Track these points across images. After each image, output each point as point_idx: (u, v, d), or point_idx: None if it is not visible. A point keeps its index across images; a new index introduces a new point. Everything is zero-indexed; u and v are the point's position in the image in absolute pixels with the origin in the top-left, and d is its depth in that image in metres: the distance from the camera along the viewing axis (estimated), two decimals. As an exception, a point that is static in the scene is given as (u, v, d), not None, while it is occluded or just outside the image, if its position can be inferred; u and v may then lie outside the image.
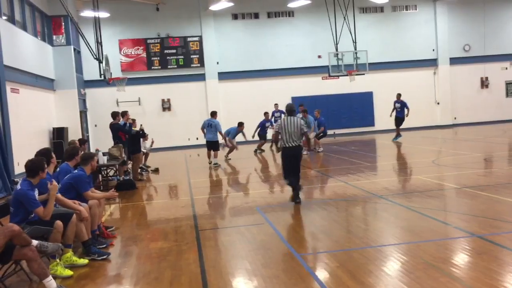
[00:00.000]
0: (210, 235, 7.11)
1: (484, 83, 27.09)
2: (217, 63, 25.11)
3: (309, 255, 5.72)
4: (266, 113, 19.83)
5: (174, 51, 24.72)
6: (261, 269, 5.33)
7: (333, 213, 8.00)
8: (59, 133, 19.23)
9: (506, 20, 27.22)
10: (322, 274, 5.05)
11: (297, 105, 16.02)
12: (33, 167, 5.60)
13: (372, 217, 7.78)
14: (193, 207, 9.07)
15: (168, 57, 24.70)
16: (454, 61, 26.77)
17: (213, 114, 16.18)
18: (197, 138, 24.96)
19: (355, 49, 22.49)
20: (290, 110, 8.93)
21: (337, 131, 25.19)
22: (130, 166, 13.54)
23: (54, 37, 21.03)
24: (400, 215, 7.52)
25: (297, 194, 8.73)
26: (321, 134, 18.34)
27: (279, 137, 8.68)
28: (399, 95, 20.48)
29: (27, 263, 4.86)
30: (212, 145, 15.86)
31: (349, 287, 4.59)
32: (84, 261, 5.91)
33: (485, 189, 8.85)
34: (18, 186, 5.57)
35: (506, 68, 27.09)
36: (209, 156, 16.01)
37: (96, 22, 17.18)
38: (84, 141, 12.36)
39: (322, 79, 25.41)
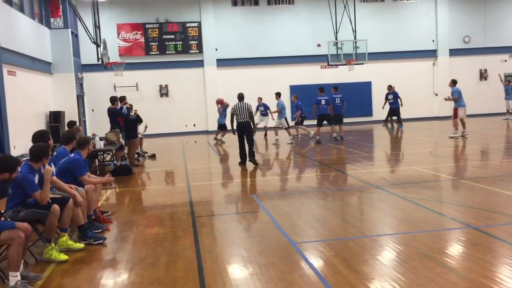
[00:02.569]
0: (206, 222, 7.11)
1: (483, 75, 27.06)
2: (216, 49, 24.98)
3: (305, 243, 5.73)
4: (260, 98, 19.23)
5: (172, 36, 24.57)
6: (257, 256, 5.34)
7: (330, 202, 8.01)
8: (55, 117, 19.16)
9: (506, 12, 27.11)
10: (317, 262, 5.06)
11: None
12: (38, 152, 5.53)
13: (368, 206, 7.79)
14: (190, 194, 9.07)
15: (166, 43, 24.55)
16: (453, 52, 26.70)
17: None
18: (194, 125, 25.03)
19: (355, 38, 22.39)
20: (241, 97, 12.29)
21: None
22: (126, 151, 13.50)
23: (52, 19, 20.85)
24: (396, 205, 7.54)
25: (244, 159, 12.19)
26: (300, 118, 18.60)
27: (235, 117, 12.11)
28: (390, 87, 20.46)
29: (9, 246, 4.63)
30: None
31: (344, 276, 4.60)
32: (80, 245, 5.90)
33: (481, 181, 8.87)
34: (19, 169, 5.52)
35: (506, 61, 27.04)
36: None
37: (94, 5, 17.04)
38: (72, 122, 12.31)
39: (321, 68, 25.33)
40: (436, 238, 5.64)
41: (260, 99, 18.91)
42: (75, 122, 13.21)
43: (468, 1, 26.75)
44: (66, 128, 12.19)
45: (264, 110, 18.59)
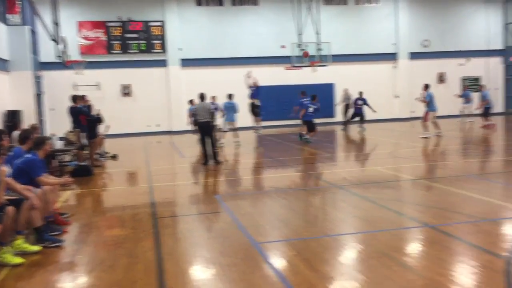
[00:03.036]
0: (168, 223, 7.03)
1: (442, 78, 27.87)
2: (180, 49, 24.77)
3: (267, 244, 5.74)
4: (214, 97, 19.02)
5: (135, 35, 24.23)
6: (219, 257, 5.31)
7: (292, 202, 8.06)
8: (13, 116, 18.53)
9: (463, 18, 28.03)
10: (279, 262, 5.09)
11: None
12: None
13: (330, 206, 7.89)
14: (152, 195, 8.95)
15: (129, 42, 24.19)
16: (413, 55, 27.40)
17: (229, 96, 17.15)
18: (158, 125, 24.73)
19: (318, 40, 22.64)
20: (202, 97, 12.63)
21: (298, 122, 25.37)
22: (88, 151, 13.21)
23: (9, 16, 20.17)
24: (357, 205, 7.66)
25: (207, 159, 12.24)
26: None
27: (196, 116, 12.52)
28: (361, 93, 20.99)
29: None
30: None
31: (305, 276, 4.64)
32: (36, 248, 5.72)
33: (439, 180, 9.13)
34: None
35: (463, 64, 27.94)
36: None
37: (53, 1, 16.57)
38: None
39: (285, 69, 25.46)
40: (395, 237, 5.76)
41: (212, 98, 18.51)
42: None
43: (428, 7, 27.51)
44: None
45: (216, 108, 18.30)
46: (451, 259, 4.98)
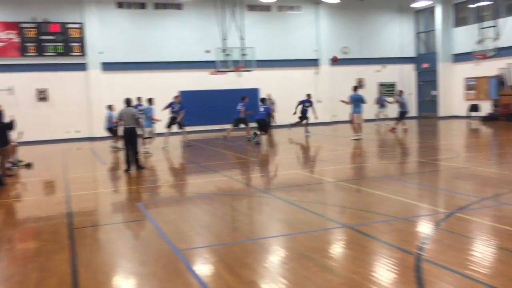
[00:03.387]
0: (86, 233, 6.74)
1: (360, 84, 29.08)
2: (101, 52, 23.95)
3: (189, 250, 5.66)
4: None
5: (52, 37, 23.11)
6: (138, 266, 5.17)
7: (216, 207, 8.03)
8: None
9: (379, 27, 29.49)
10: (200, 268, 5.03)
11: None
12: None
13: (253, 210, 7.94)
14: (69, 204, 8.54)
15: (45, 44, 23.02)
16: (334, 62, 28.34)
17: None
18: (77, 131, 23.72)
19: (243, 45, 22.83)
20: (127, 102, 12.32)
21: (225, 127, 25.41)
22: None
23: None
24: (280, 209, 7.77)
25: (129, 165, 11.97)
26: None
27: (121, 121, 12.09)
28: (309, 95, 21.28)
29: None
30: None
31: (226, 281, 4.62)
32: None
33: (357, 182, 9.50)
34: None
35: (379, 71, 29.36)
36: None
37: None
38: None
39: (210, 73, 25.44)
40: (315, 238, 5.90)
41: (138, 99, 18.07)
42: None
43: (347, 15, 28.65)
44: None
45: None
46: (366, 257, 5.17)
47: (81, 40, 23.54)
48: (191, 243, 5.99)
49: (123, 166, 12.55)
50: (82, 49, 23.59)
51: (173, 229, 6.58)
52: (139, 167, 12.21)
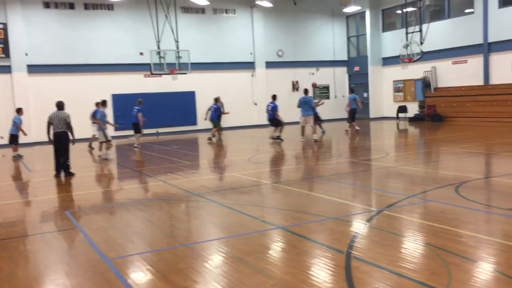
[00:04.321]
0: (9, 245, 6.34)
1: (295, 86, 29.63)
2: (26, 54, 22.83)
3: (119, 259, 5.48)
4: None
5: (-28, 38, 21.73)
6: (65, 278, 4.93)
7: (149, 213, 7.84)
8: None
9: (312, 31, 30.19)
10: (131, 277, 4.87)
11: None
12: None
13: (187, 215, 7.83)
14: (-10, 215, 8.03)
15: (-36, 45, 21.61)
16: (269, 64, 28.73)
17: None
18: (1, 137, 22.44)
19: (177, 48, 22.57)
20: (59, 105, 11.93)
21: (160, 130, 25.04)
22: None
23: None
24: (214, 212, 7.72)
25: (59, 170, 11.83)
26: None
27: (51, 125, 11.72)
28: (274, 96, 20.18)
29: None
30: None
31: (157, 288, 4.51)
32: None
33: (292, 183, 9.62)
34: None
35: (313, 74, 30.03)
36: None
37: None
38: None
39: (145, 76, 24.96)
40: (249, 240, 5.90)
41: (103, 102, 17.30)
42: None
43: (281, 19, 29.08)
44: None
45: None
46: (299, 258, 5.23)
47: (4, 41, 22.31)
48: (121, 251, 5.79)
49: (51, 173, 11.99)
50: (5, 51, 22.35)
51: (103, 237, 6.35)
52: (68, 173, 11.75)
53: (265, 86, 28.33)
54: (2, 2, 22.27)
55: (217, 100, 20.55)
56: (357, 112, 21.09)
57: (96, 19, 24.42)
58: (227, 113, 22.11)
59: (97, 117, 15.73)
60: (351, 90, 22.29)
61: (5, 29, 22.32)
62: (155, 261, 5.29)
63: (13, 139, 16.70)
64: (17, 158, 16.60)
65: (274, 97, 19.05)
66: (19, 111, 16.96)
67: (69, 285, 4.74)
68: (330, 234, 6.04)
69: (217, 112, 20.16)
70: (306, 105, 17.55)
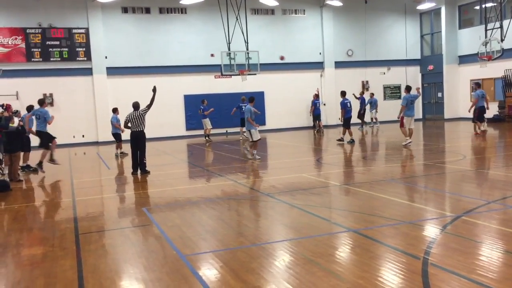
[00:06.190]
0: (91, 239, 6.74)
1: (365, 86, 29.04)
2: (106, 57, 24.07)
3: (194, 256, 5.66)
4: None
5: (57, 42, 23.23)
6: (143, 272, 5.16)
7: (221, 212, 8.02)
8: None
9: (383, 30, 29.43)
10: (205, 274, 5.02)
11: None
12: None
13: (258, 215, 7.93)
14: (75, 209, 8.57)
15: (50, 49, 23.15)
16: (338, 64, 28.36)
17: None
18: (83, 136, 23.84)
19: (247, 49, 22.87)
20: (135, 106, 12.43)
21: (229, 130, 25.47)
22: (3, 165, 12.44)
23: None
24: (284, 213, 7.76)
25: (136, 168, 12.38)
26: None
27: (129, 124, 12.31)
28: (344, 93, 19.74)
29: None
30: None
31: (231, 286, 4.61)
32: None
33: (362, 185, 9.46)
34: None
35: (384, 73, 29.30)
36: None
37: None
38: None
39: (215, 77, 25.51)
40: (320, 242, 5.88)
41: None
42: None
43: (351, 18, 28.61)
44: None
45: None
46: (372, 262, 5.15)
47: (86, 45, 23.66)
48: (195, 249, 5.98)
49: (128, 170, 12.59)
50: (87, 54, 23.70)
51: (178, 234, 6.58)
52: (145, 171, 12.27)
53: (334, 86, 27.98)
54: (84, 8, 23.62)
55: (317, 95, 23.86)
56: (484, 112, 18.53)
57: (169, 23, 25.27)
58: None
59: (247, 116, 14.71)
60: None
61: (87, 34, 23.66)
62: (228, 259, 5.41)
63: (115, 137, 17.26)
64: (122, 155, 17.05)
65: (343, 93, 18.10)
66: (115, 110, 17.52)
67: (148, 279, 4.96)
68: (405, 238, 5.88)
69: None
70: (413, 104, 15.90)
